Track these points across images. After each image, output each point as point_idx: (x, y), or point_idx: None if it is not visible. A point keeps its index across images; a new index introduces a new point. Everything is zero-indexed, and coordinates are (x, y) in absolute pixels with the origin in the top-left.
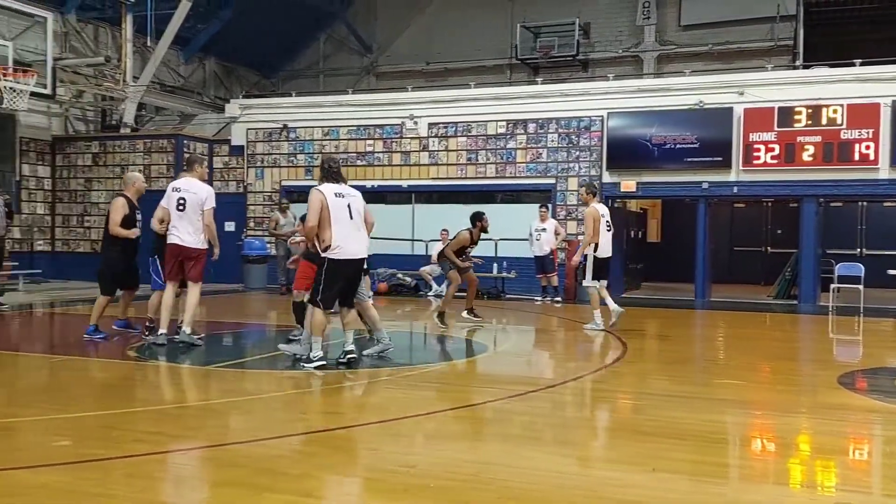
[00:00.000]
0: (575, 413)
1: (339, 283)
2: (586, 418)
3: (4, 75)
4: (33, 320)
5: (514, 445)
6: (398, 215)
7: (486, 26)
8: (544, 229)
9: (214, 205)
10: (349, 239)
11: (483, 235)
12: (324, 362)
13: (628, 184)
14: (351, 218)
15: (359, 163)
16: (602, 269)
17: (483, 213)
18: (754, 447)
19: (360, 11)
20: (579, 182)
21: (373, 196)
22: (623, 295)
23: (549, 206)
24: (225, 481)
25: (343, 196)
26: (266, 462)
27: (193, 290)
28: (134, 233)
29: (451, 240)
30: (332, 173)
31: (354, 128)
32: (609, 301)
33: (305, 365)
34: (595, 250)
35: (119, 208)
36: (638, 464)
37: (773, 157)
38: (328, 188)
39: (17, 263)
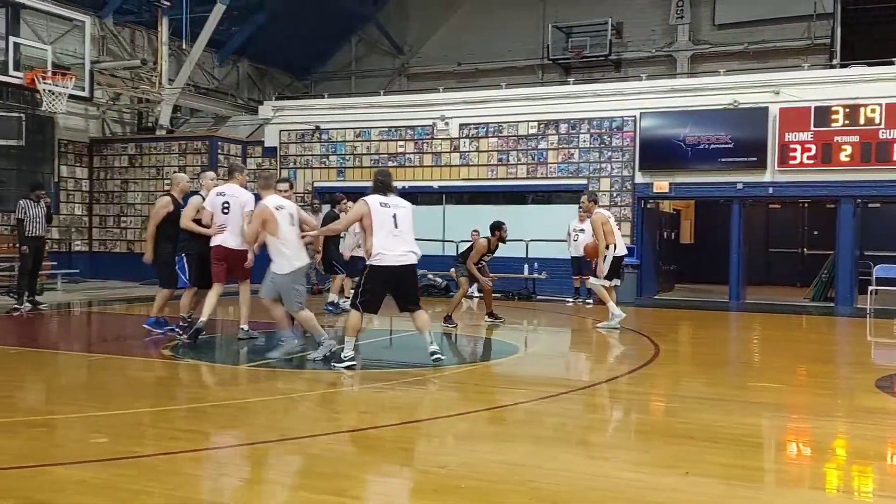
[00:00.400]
0: (606, 415)
1: (378, 287)
2: (618, 420)
3: (44, 79)
4: (71, 319)
5: (545, 447)
6: (429, 216)
7: (517, 27)
8: (583, 230)
9: (254, 208)
10: (391, 246)
11: (513, 236)
12: (354, 363)
13: (661, 184)
14: (396, 226)
15: (390, 164)
16: (618, 268)
17: (503, 224)
18: (789, 451)
19: (392, 13)
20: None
21: (403, 197)
22: (656, 296)
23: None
24: (259, 479)
25: (388, 206)
26: (299, 461)
27: (244, 289)
28: (147, 257)
29: (468, 249)
30: (379, 185)
31: (386, 129)
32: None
33: (336, 364)
34: (614, 250)
35: (162, 207)
36: (670, 467)
37: (809, 158)
38: (374, 198)
39: (55, 263)
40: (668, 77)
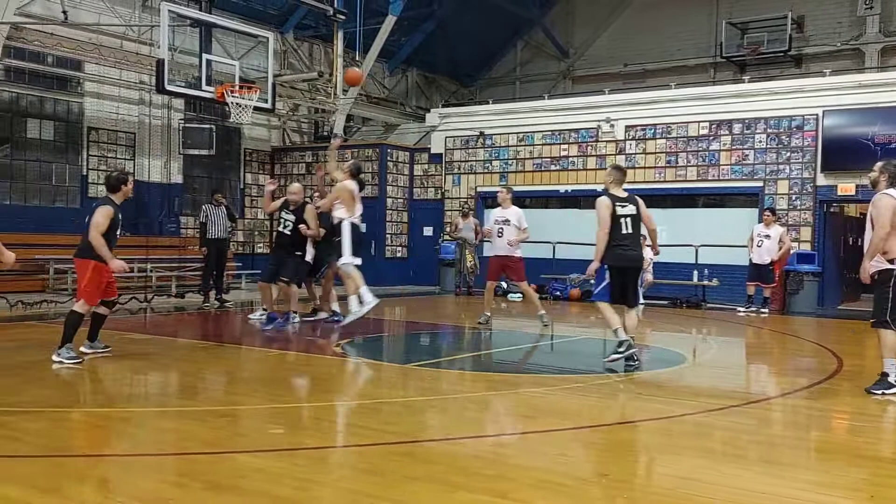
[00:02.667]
0: (783, 431)
1: None
2: (796, 437)
3: (232, 92)
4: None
5: (715, 462)
6: (592, 220)
7: (687, 24)
8: (768, 235)
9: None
10: None
11: (682, 241)
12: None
13: (846, 187)
14: None
15: (552, 168)
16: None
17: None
18: None
19: (557, 16)
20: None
21: (567, 201)
22: (839, 307)
23: (775, 209)
24: (421, 477)
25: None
26: (461, 461)
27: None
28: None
29: None
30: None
31: (549, 133)
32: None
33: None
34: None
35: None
36: (854, 489)
37: None
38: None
39: (240, 264)
40: (855, 72)
